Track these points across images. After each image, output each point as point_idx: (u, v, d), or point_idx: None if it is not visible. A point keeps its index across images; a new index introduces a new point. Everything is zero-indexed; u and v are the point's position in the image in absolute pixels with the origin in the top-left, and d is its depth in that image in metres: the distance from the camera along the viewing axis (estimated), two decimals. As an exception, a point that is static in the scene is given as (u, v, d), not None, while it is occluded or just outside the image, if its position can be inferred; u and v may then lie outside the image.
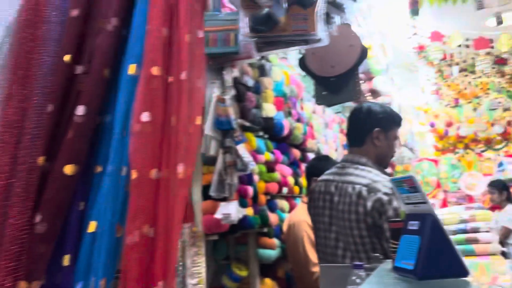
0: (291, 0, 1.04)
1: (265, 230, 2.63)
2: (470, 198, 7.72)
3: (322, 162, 2.69)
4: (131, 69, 1.69)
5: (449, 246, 1.00)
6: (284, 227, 2.76)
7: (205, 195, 2.01)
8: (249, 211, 2.40)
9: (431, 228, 1.01)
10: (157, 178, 1.60)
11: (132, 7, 1.80)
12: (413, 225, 1.07)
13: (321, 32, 1.17)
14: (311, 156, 3.51)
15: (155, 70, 1.65)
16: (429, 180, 8.12)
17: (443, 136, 4.82)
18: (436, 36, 2.58)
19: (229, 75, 2.01)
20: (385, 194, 1.72)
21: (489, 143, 4.86)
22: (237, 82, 2.31)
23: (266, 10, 1.00)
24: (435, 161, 7.95)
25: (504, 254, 3.64)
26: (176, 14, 1.71)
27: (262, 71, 2.72)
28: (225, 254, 2.60)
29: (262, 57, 2.73)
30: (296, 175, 3.22)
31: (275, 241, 2.72)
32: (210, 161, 2.02)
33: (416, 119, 6.31)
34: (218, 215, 1.89)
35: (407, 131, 5.88)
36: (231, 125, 1.93)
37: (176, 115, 1.65)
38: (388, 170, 2.68)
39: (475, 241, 3.03)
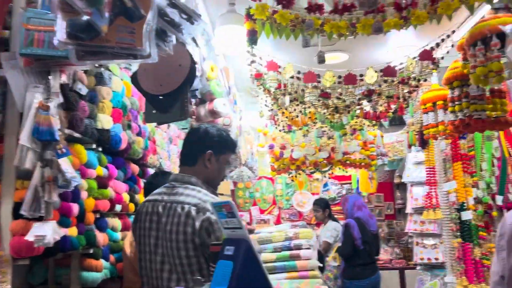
0: (116, 10, 0.98)
1: (91, 251, 2.43)
2: (300, 215, 8.48)
3: (159, 178, 2.61)
4: None
5: (260, 272, 1.04)
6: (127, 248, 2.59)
7: (17, 214, 1.76)
8: (72, 231, 2.19)
9: (244, 254, 1.03)
10: None
11: None
12: (229, 250, 1.08)
13: (151, 48, 1.13)
14: (152, 172, 3.40)
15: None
16: (266, 197, 8.69)
17: (278, 158, 5.19)
18: (272, 66, 2.79)
19: (56, 81, 1.82)
20: (214, 214, 1.74)
21: (316, 166, 5.40)
22: (67, 89, 2.11)
23: (86, 17, 0.92)
24: (272, 180, 8.56)
25: (321, 269, 4.06)
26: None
27: (100, 80, 2.55)
28: (43, 279, 2.31)
29: (101, 65, 2.57)
30: (133, 192, 3.08)
31: (102, 262, 2.53)
32: (25, 175, 1.79)
33: (257, 140, 6.70)
34: (29, 237, 1.67)
35: (248, 151, 6.20)
36: (54, 136, 1.74)
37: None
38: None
39: (298, 257, 3.33)
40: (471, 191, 4.15)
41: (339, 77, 2.96)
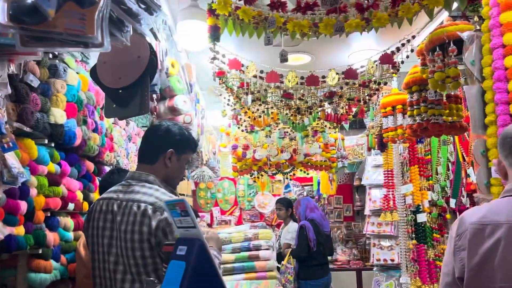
0: (65, -6, 0.92)
1: (40, 251, 2.31)
2: (261, 216, 8.49)
3: (115, 176, 2.52)
4: None
5: (213, 272, 1.00)
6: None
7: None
8: (20, 229, 2.07)
9: (197, 254, 0.99)
10: None
11: None
12: (181, 250, 1.04)
13: (104, 37, 1.06)
14: (108, 169, 3.29)
15: None
16: (228, 198, 8.64)
17: (241, 158, 5.15)
18: (235, 64, 2.75)
19: (4, 70, 1.70)
20: (167, 212, 1.69)
21: (279, 167, 5.40)
22: (17, 80, 1.99)
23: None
24: (234, 181, 8.52)
25: (279, 269, 4.05)
26: None
27: (54, 72, 2.43)
28: (-14, 280, 2.18)
29: (55, 57, 2.45)
30: (87, 190, 2.96)
31: (52, 263, 2.41)
32: (-35, 170, 1.66)
33: (220, 140, 6.65)
34: (-31, 236, 1.55)
35: (210, 151, 6.13)
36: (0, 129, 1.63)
37: None
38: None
39: (257, 258, 3.32)
40: (427, 194, 4.27)
41: (302, 78, 2.97)
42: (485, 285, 1.23)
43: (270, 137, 4.39)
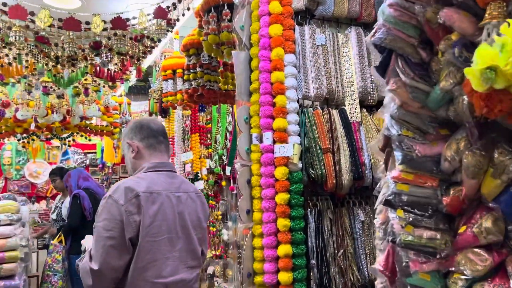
0: None
1: None
2: (33, 187, 7.46)
3: None
4: None
5: None
6: None
7: None
8: None
9: None
10: None
11: None
12: None
13: None
14: None
15: None
16: (-9, 166, 7.28)
17: (0, 118, 4.27)
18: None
19: None
20: None
21: (50, 130, 4.71)
22: None
23: None
24: (-3, 145, 7.22)
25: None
26: None
27: None
28: None
29: None
30: None
31: None
32: None
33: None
34: None
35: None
36: None
37: None
38: None
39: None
40: (205, 162, 4.32)
41: (60, 20, 2.48)
42: (155, 237, 1.60)
43: (31, 92, 3.70)
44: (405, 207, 1.11)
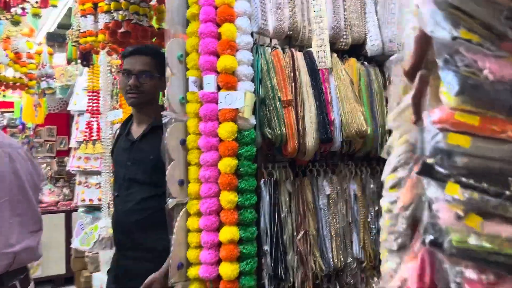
0: None
1: None
2: None
3: None
4: None
5: None
6: None
7: None
8: None
9: None
10: None
11: None
12: None
13: None
14: None
15: None
16: None
17: None
18: None
19: None
20: None
21: None
22: None
23: None
24: None
25: None
26: None
27: None
28: None
29: None
30: None
31: None
32: None
33: None
34: None
35: None
36: None
37: None
38: None
39: None
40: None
41: None
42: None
43: None
44: (465, 180, 0.57)
